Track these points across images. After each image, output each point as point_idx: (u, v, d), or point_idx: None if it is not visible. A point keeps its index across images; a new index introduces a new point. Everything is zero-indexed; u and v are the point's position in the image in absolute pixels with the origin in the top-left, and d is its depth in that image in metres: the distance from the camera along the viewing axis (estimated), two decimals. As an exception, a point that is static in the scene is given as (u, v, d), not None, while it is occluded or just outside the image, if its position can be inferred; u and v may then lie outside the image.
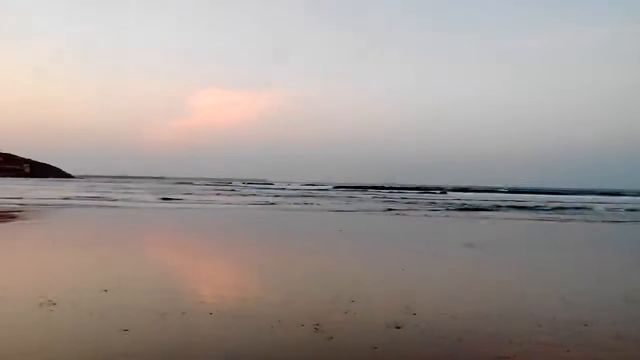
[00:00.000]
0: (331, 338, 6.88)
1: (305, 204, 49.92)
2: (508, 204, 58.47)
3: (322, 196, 71.65)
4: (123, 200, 49.35)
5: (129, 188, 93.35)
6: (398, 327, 7.48)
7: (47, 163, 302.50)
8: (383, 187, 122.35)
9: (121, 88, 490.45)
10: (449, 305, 9.14)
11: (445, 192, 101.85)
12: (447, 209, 44.89)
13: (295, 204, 49.38)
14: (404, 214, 37.42)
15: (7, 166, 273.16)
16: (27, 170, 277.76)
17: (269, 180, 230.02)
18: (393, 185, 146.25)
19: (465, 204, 54.75)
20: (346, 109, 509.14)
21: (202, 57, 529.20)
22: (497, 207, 49.35)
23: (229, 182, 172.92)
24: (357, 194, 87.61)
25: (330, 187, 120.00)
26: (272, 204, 48.52)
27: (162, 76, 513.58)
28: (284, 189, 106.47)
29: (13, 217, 27.37)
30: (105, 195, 59.04)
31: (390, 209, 43.01)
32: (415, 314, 8.22)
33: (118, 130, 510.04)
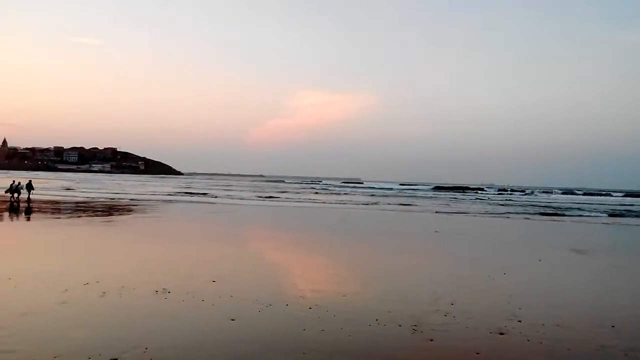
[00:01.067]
0: (431, 340, 6.79)
1: (404, 204, 49.42)
2: (627, 208, 53.72)
3: (422, 197, 70.40)
4: (226, 197, 52.06)
5: (232, 185, 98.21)
6: (502, 334, 7.20)
7: (160, 161, 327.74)
8: (481, 189, 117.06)
9: (227, 91, 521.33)
10: (556, 313, 8.62)
11: (551, 193, 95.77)
12: (555, 214, 42.21)
13: (395, 204, 49.07)
14: (507, 217, 35.76)
15: (125, 163, 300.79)
16: (142, 167, 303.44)
17: (363, 179, 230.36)
18: (492, 186, 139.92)
19: (576, 208, 51.12)
20: (440, 109, 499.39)
21: (302, 61, 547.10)
22: (616, 212, 45.51)
23: (318, 181, 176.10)
24: (457, 195, 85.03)
25: (428, 187, 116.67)
26: (373, 204, 48.56)
27: (265, 78, 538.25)
28: (375, 188, 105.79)
29: (130, 211, 29.93)
30: (210, 192, 62.63)
31: (504, 213, 41.33)
32: (520, 321, 7.86)
33: (224, 130, 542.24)
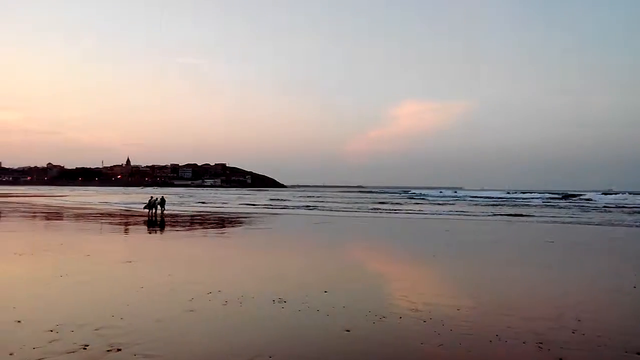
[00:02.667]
0: (561, 359, 6.36)
1: (517, 214, 47.00)
2: None
3: (535, 205, 66.39)
4: (327, 209, 52.86)
5: (333, 197, 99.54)
6: (639, 354, 6.57)
7: (265, 175, 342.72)
8: (582, 194, 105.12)
9: (328, 104, 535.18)
10: None
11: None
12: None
13: (504, 214, 46.86)
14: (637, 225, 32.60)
15: (233, 178, 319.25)
16: (249, 181, 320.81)
17: (464, 187, 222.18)
18: (610, 191, 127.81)
19: None
20: (543, 111, 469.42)
21: (400, 70, 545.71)
22: None
23: (407, 190, 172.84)
24: (576, 202, 79.04)
25: (538, 195, 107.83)
26: (488, 214, 46.78)
27: (363, 90, 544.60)
28: (478, 197, 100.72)
29: (240, 223, 31.48)
30: (311, 204, 64.03)
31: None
32: (661, 341, 7.11)
33: (325, 142, 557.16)
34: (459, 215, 42.53)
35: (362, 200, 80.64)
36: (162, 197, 37.15)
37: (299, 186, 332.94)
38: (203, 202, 63.63)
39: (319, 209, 50.11)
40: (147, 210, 34.88)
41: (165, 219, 32.66)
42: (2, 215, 35.15)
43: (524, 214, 44.99)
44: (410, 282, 11.97)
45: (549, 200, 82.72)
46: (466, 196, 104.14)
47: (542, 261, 16.08)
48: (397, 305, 9.07)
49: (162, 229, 25.65)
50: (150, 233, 23.81)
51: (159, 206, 35.14)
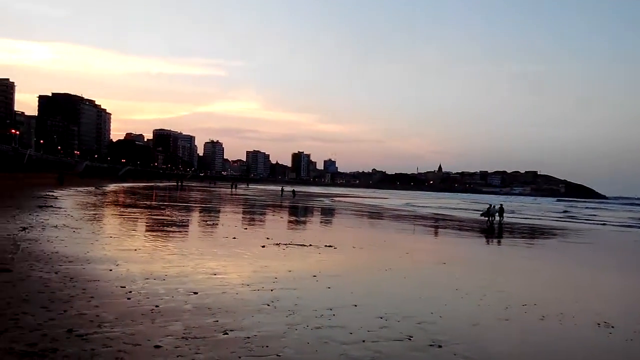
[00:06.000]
0: None
1: None
2: None
3: None
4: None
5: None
6: None
7: (581, 184, 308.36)
8: None
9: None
10: None
11: None
12: None
13: None
14: None
15: (544, 186, 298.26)
16: (562, 190, 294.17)
17: None
18: None
19: None
20: None
21: None
22: None
23: None
24: None
25: None
26: None
27: None
28: None
29: (553, 235, 29.31)
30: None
31: None
32: None
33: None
34: None
35: None
36: (501, 205, 36.21)
37: (623, 198, 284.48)
38: (512, 211, 61.36)
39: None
40: (485, 218, 34.70)
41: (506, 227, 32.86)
42: (338, 212, 41.91)
43: None
44: None
45: None
46: None
47: None
48: None
49: (498, 237, 25.79)
50: (488, 242, 24.07)
51: (496, 215, 34.38)
